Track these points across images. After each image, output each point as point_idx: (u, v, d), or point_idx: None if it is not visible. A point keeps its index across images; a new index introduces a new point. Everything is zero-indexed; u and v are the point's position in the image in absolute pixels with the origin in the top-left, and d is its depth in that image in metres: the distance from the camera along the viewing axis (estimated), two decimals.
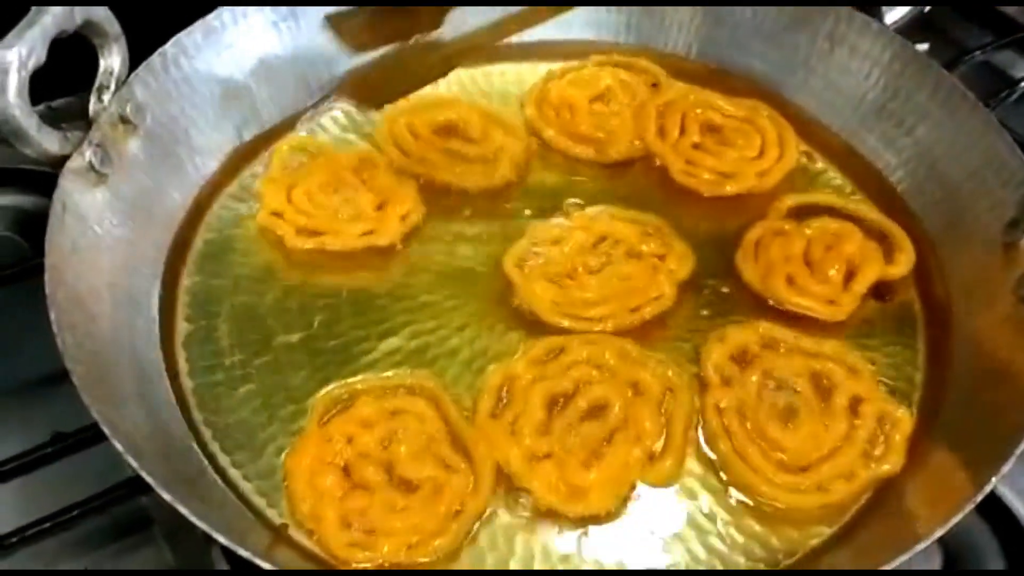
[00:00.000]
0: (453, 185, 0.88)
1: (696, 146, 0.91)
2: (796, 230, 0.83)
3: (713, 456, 0.72)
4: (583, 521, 0.69)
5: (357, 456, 0.69)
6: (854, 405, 0.73)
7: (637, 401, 0.72)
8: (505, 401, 0.73)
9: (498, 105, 0.96)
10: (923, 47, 0.90)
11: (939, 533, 0.61)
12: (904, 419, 0.73)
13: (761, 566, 0.68)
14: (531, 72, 0.99)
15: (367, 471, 0.68)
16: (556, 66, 0.99)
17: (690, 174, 0.89)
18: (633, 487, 0.70)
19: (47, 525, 0.69)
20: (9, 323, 0.86)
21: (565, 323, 0.78)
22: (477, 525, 0.68)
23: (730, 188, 0.88)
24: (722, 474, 0.72)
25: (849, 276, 0.81)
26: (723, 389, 0.74)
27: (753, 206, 0.87)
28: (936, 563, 0.74)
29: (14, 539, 0.68)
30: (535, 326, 0.79)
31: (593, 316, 0.78)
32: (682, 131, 0.92)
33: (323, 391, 0.74)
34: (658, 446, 0.71)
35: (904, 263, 0.82)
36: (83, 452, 0.73)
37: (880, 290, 0.82)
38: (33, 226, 0.92)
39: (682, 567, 0.68)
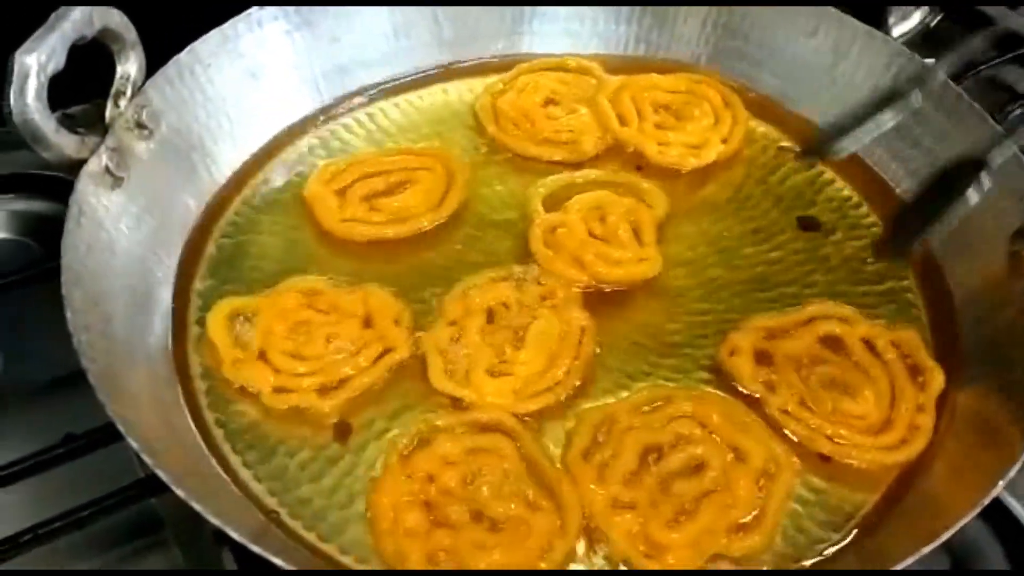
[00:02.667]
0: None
1: (658, 126, 0.94)
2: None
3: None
4: None
5: (440, 494, 0.68)
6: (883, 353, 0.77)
7: (737, 467, 0.70)
8: (599, 443, 0.71)
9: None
10: (929, 62, 0.91)
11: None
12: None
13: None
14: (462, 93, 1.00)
15: (450, 509, 0.67)
16: (486, 82, 1.00)
17: (665, 153, 0.92)
18: (713, 556, 0.67)
19: (58, 524, 0.69)
20: (22, 326, 0.86)
21: None
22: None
23: (703, 158, 0.92)
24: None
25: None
26: (775, 395, 0.75)
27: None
28: (944, 567, 0.74)
29: (26, 537, 0.68)
30: None
31: None
32: (639, 115, 0.95)
33: (402, 429, 0.73)
34: (747, 519, 0.68)
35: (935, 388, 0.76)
36: (94, 454, 0.73)
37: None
38: (46, 231, 0.93)
39: None
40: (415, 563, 0.65)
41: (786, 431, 0.73)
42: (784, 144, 0.95)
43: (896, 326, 0.79)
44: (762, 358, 0.76)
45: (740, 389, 0.76)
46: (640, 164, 0.93)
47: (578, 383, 0.75)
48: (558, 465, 0.71)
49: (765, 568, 0.67)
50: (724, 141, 0.94)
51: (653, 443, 0.71)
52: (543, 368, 0.75)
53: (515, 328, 0.77)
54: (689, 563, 0.66)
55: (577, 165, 0.93)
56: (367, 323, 0.78)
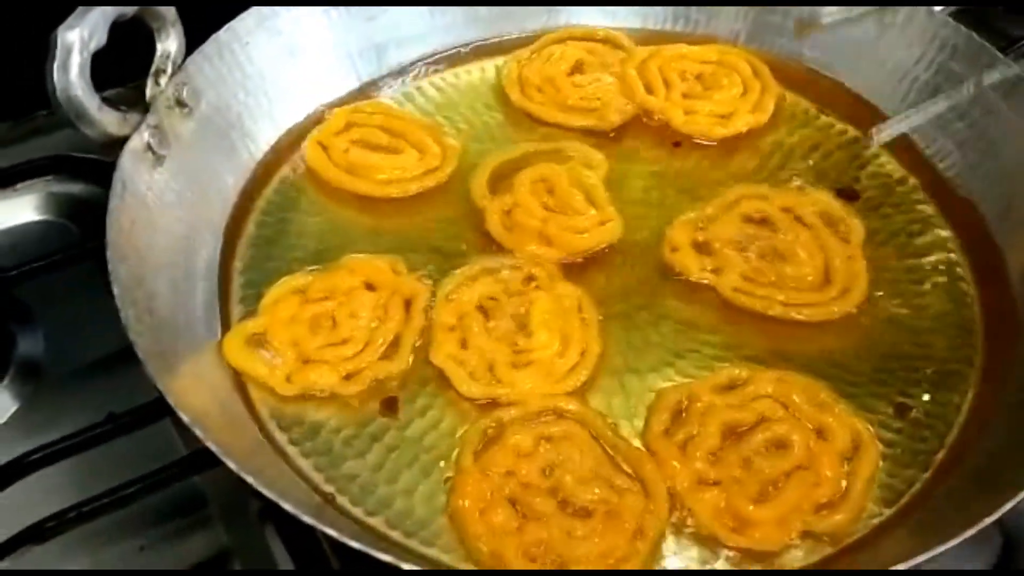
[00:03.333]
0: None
1: (686, 95, 0.94)
2: None
3: None
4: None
5: (521, 488, 0.67)
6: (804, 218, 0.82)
7: (821, 446, 0.69)
8: (680, 422, 0.71)
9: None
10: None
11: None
12: None
13: None
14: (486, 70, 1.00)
15: (535, 501, 0.66)
16: (469, 72, 0.99)
17: (692, 122, 0.92)
18: (800, 533, 0.67)
19: (105, 501, 0.69)
20: (64, 308, 0.87)
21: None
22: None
23: (731, 128, 0.92)
24: None
25: None
26: (723, 276, 0.79)
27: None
28: (996, 546, 0.73)
29: (72, 515, 0.68)
30: None
31: None
32: (667, 84, 0.94)
33: (471, 425, 0.72)
34: (833, 498, 0.68)
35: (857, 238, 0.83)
36: (137, 433, 0.73)
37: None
38: (84, 213, 0.94)
39: None
40: (513, 561, 0.64)
41: (743, 305, 0.77)
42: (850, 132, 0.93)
43: (806, 191, 0.86)
44: (701, 248, 0.81)
45: (689, 279, 0.80)
46: (677, 140, 0.92)
47: (599, 351, 0.75)
48: (636, 444, 0.70)
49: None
50: (753, 111, 0.93)
51: (735, 422, 0.70)
52: (561, 346, 0.75)
53: (514, 317, 0.76)
54: (775, 540, 0.66)
55: (603, 134, 0.92)
56: (371, 288, 0.78)
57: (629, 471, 0.69)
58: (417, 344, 0.76)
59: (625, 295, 0.80)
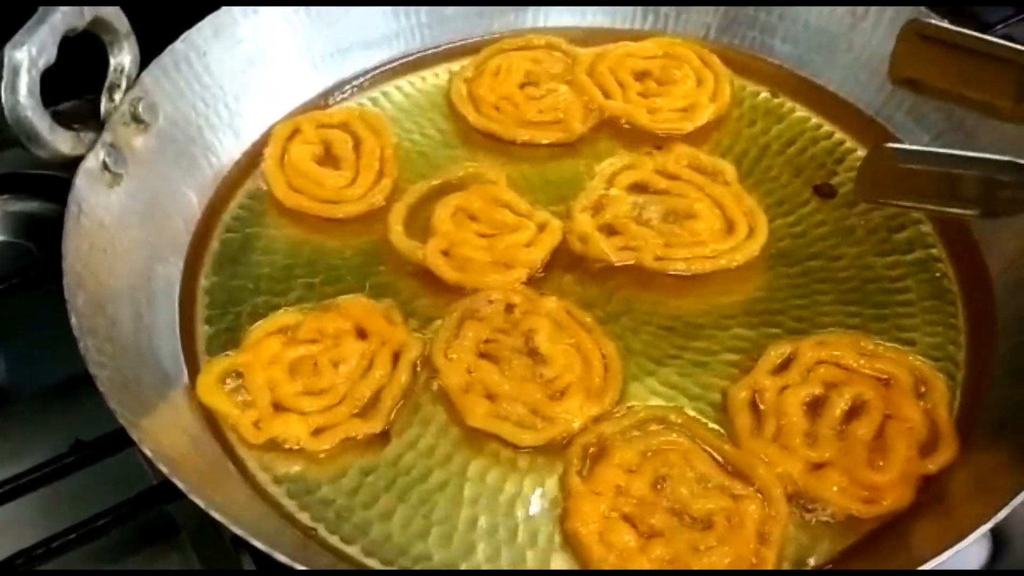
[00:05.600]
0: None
1: (642, 94, 0.93)
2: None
3: None
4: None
5: (637, 505, 0.66)
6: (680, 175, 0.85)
7: (894, 393, 0.71)
8: (760, 416, 0.71)
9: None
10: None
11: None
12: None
13: None
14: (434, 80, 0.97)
15: (654, 518, 0.65)
16: (436, 75, 0.97)
17: (657, 120, 0.91)
18: (922, 479, 0.68)
19: (73, 536, 0.67)
20: (24, 330, 0.85)
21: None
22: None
23: (696, 119, 0.91)
24: None
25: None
26: (643, 252, 0.78)
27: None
28: (984, 551, 0.72)
29: (40, 551, 0.66)
30: None
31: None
32: (621, 86, 0.93)
33: (571, 445, 0.70)
34: (929, 436, 0.69)
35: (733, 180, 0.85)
36: (105, 460, 0.71)
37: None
38: (43, 232, 0.91)
39: None
40: None
41: (671, 273, 0.79)
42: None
43: (675, 145, 0.87)
44: (607, 230, 0.80)
45: (606, 264, 0.79)
46: (658, 144, 0.89)
47: (614, 348, 0.74)
48: (740, 446, 0.69)
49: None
50: (712, 99, 0.92)
51: (809, 398, 0.71)
52: (583, 360, 0.73)
53: (520, 351, 0.74)
54: (906, 498, 0.66)
55: (570, 145, 0.90)
56: (361, 334, 0.75)
57: (740, 474, 0.68)
58: (399, 406, 0.72)
59: (654, 320, 0.78)
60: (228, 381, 0.73)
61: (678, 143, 0.87)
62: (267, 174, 0.86)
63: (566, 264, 0.81)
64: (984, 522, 0.59)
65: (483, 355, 0.74)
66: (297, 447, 0.70)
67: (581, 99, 0.92)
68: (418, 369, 0.74)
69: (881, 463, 0.67)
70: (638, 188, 0.84)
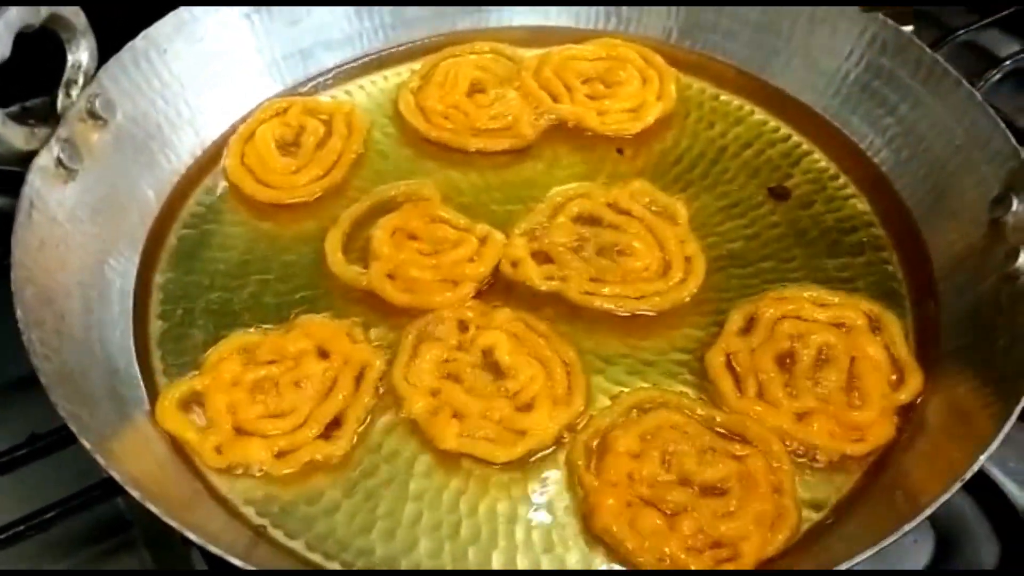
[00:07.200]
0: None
1: (590, 96, 0.93)
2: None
3: None
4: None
5: (652, 487, 0.67)
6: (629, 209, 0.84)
7: (853, 336, 0.75)
8: (738, 378, 0.73)
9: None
10: (908, 29, 0.89)
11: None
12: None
13: None
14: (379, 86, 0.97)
15: (672, 495, 0.66)
16: (399, 75, 0.98)
17: (607, 122, 0.91)
18: (898, 411, 0.71)
19: (21, 528, 0.67)
20: None
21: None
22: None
23: (644, 119, 0.92)
24: None
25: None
26: (569, 283, 0.78)
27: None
28: (929, 546, 0.73)
29: None
30: None
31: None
32: (568, 89, 0.93)
33: (571, 446, 0.70)
34: (895, 373, 0.73)
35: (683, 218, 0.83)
36: (63, 454, 0.71)
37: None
38: (4, 227, 0.91)
39: None
40: (681, 560, 0.64)
41: (596, 307, 0.77)
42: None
43: (621, 184, 0.85)
44: (540, 257, 0.80)
45: (535, 289, 0.78)
46: (620, 148, 0.91)
47: (574, 354, 0.75)
48: (728, 409, 0.72)
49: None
50: (659, 98, 0.93)
51: (780, 352, 0.74)
52: (545, 370, 0.73)
53: (481, 367, 0.74)
54: (889, 432, 0.70)
55: (522, 151, 0.90)
56: (323, 354, 0.74)
57: (736, 437, 0.70)
58: (361, 429, 0.71)
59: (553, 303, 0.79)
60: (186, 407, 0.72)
61: (636, 179, 0.85)
62: (230, 143, 0.88)
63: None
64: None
65: (445, 376, 0.73)
66: (260, 472, 0.69)
67: (530, 104, 0.92)
68: (380, 391, 0.73)
69: (859, 403, 0.71)
70: (587, 219, 0.83)
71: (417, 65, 0.97)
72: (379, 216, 0.82)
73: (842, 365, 0.73)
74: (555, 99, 0.92)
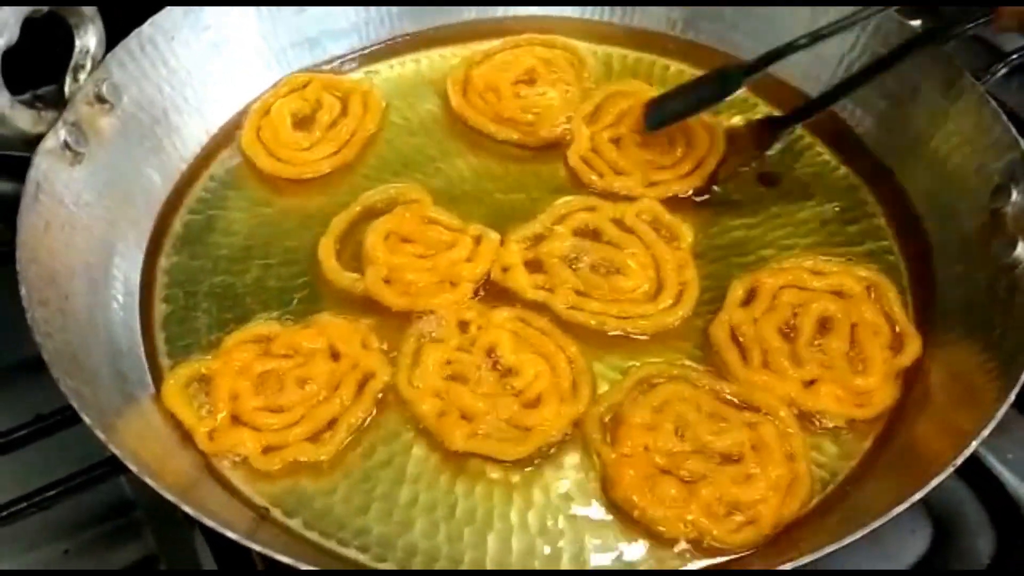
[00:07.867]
0: None
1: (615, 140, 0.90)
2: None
3: None
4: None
5: (668, 457, 0.68)
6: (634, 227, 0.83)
7: (852, 302, 0.76)
8: (744, 348, 0.75)
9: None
10: (915, 23, 0.88)
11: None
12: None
13: None
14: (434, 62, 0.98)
15: (688, 464, 0.68)
16: (457, 50, 0.98)
17: (588, 163, 0.88)
18: (900, 375, 0.73)
19: (24, 505, 0.68)
20: None
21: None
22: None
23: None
24: None
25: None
26: (556, 295, 0.78)
27: None
28: (926, 535, 0.73)
29: None
30: None
31: None
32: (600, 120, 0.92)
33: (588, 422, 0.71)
34: (892, 338, 0.75)
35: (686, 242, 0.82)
36: (67, 436, 0.72)
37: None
38: (8, 211, 0.91)
39: None
40: (709, 526, 0.65)
41: (579, 323, 0.76)
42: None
43: (630, 203, 0.84)
44: (533, 266, 0.79)
45: (522, 298, 0.78)
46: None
47: (575, 348, 0.75)
48: (735, 380, 0.73)
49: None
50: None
51: (782, 322, 0.75)
52: (549, 366, 0.74)
53: (486, 368, 0.74)
54: (893, 395, 0.72)
55: (532, 148, 0.90)
56: (335, 355, 0.74)
57: (745, 406, 0.71)
58: (350, 438, 0.71)
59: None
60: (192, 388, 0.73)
61: (650, 200, 0.84)
62: (249, 115, 0.90)
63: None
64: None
65: (450, 377, 0.73)
66: (241, 460, 0.69)
67: (565, 108, 0.91)
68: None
69: (862, 368, 0.73)
70: (587, 233, 0.82)
71: (421, 55, 0.98)
72: (370, 220, 0.82)
73: (843, 332, 0.74)
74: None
